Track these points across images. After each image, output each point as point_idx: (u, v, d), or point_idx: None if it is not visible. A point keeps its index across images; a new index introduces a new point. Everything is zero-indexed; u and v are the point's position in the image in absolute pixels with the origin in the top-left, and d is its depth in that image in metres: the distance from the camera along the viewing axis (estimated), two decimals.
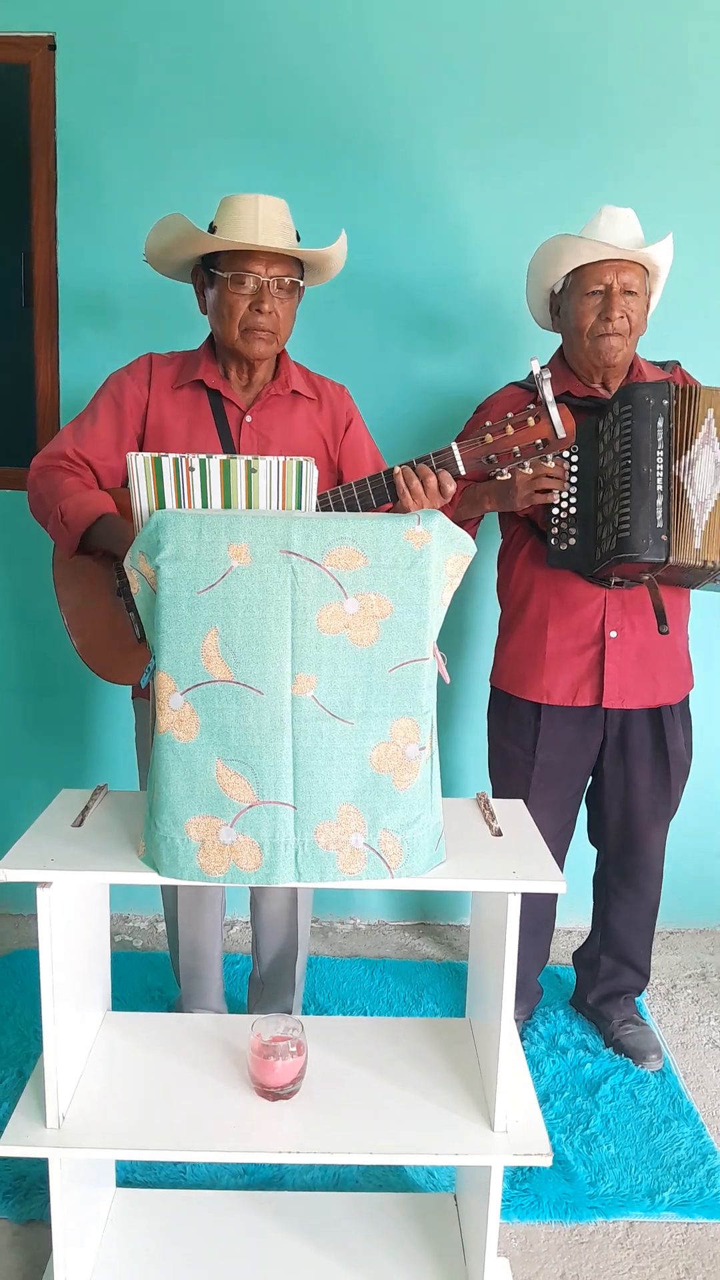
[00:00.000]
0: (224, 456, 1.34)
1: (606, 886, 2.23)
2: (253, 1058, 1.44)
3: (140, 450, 1.84)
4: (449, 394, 2.51)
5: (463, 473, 1.65)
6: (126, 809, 1.51)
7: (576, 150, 2.43)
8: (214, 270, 1.79)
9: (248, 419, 1.88)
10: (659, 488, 1.81)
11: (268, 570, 1.24)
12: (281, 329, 1.82)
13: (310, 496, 1.38)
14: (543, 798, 2.07)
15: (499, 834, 1.47)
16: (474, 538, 1.99)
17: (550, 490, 1.85)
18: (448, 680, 1.36)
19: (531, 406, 1.62)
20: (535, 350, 2.18)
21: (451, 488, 1.66)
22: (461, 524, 1.92)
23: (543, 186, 2.43)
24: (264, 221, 1.74)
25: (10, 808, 2.65)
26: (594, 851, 2.26)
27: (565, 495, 1.92)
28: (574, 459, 1.91)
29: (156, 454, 1.33)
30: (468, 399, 2.25)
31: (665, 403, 1.82)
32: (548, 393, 1.58)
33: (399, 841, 1.30)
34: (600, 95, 2.41)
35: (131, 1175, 1.78)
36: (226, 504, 1.36)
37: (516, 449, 1.62)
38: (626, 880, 2.19)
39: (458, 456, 1.64)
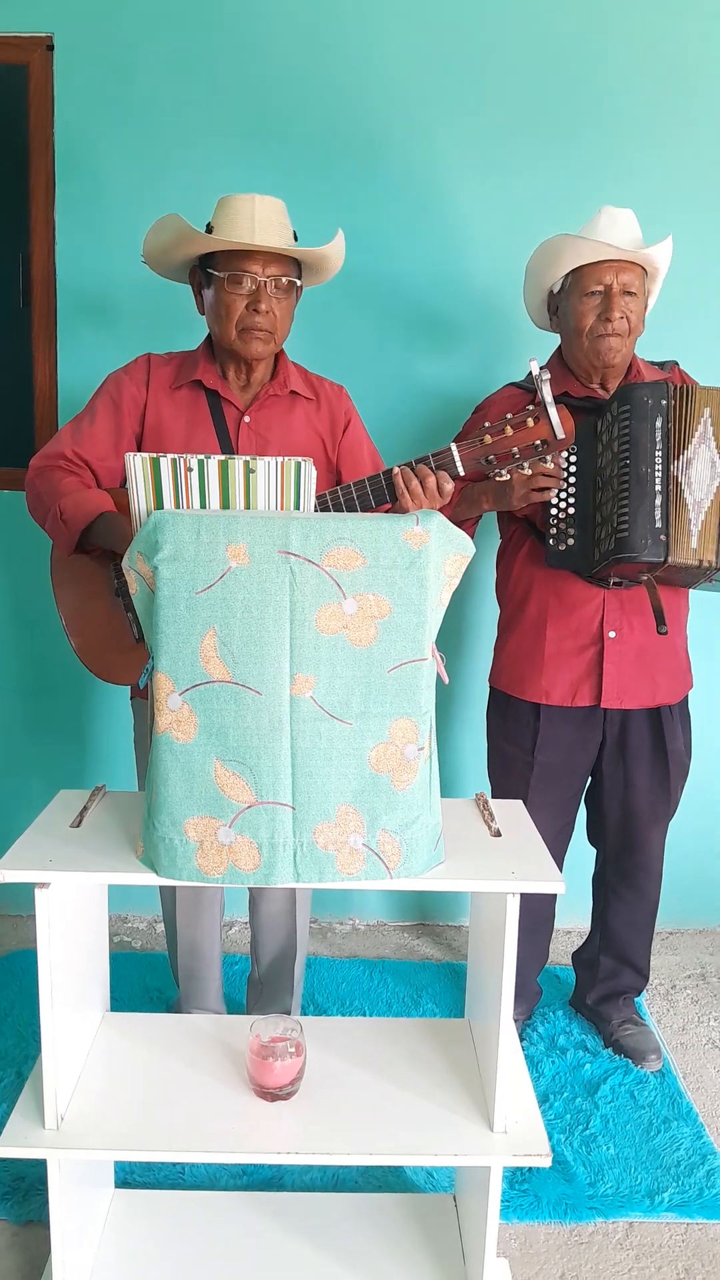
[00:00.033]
0: (222, 457, 1.34)
1: (606, 887, 2.23)
2: (251, 1058, 1.44)
3: (138, 450, 1.84)
4: (448, 394, 2.51)
5: (461, 473, 1.65)
6: (125, 810, 1.51)
7: (576, 150, 2.43)
8: (211, 270, 1.79)
9: (246, 419, 1.88)
10: (657, 488, 1.81)
11: (266, 571, 1.24)
12: (279, 329, 1.82)
13: (308, 497, 1.37)
14: (542, 798, 2.07)
15: (498, 834, 1.46)
16: (472, 537, 1.99)
17: (547, 489, 1.85)
18: (446, 680, 1.36)
19: (531, 407, 1.62)
20: (534, 350, 2.18)
21: (450, 488, 1.66)
22: (459, 524, 1.92)
23: (542, 186, 2.43)
24: (261, 221, 1.74)
25: (9, 808, 2.64)
26: (593, 852, 2.26)
27: (564, 495, 1.92)
28: (572, 459, 1.91)
29: (155, 454, 1.33)
30: (467, 399, 2.25)
31: (663, 403, 1.82)
32: (547, 394, 1.58)
33: (398, 842, 1.30)
34: (600, 95, 2.41)
35: (130, 1176, 1.78)
36: (225, 504, 1.36)
37: (515, 450, 1.62)
38: (626, 880, 2.19)
39: (456, 457, 1.64)
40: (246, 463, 1.34)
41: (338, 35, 2.40)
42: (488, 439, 1.64)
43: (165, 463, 1.33)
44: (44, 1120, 1.37)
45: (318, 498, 1.69)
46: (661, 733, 2.07)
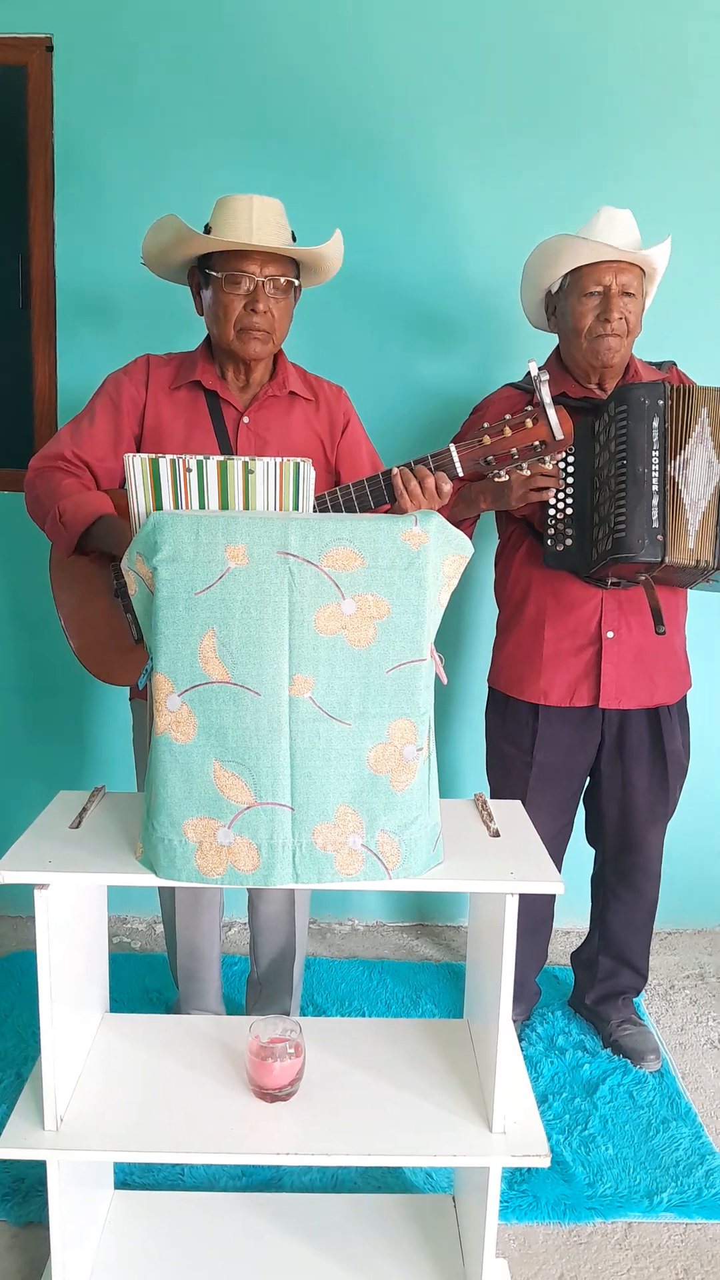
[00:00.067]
0: (221, 458, 1.34)
1: (604, 887, 2.23)
2: (251, 1059, 1.44)
3: (138, 451, 1.84)
4: (447, 395, 2.51)
5: (460, 474, 1.65)
6: (124, 810, 1.50)
7: (576, 150, 2.43)
8: (209, 271, 1.79)
9: (245, 420, 1.88)
10: (654, 488, 1.81)
11: (265, 571, 1.24)
12: (277, 329, 1.82)
13: (307, 497, 1.38)
14: (540, 798, 2.07)
15: (497, 835, 1.46)
16: (470, 537, 1.99)
17: (546, 489, 1.85)
18: (445, 681, 1.35)
19: (529, 409, 1.62)
20: (533, 351, 2.18)
21: (448, 489, 1.66)
22: (457, 524, 1.92)
23: (542, 187, 2.43)
24: (258, 221, 1.74)
25: (8, 809, 2.64)
26: (592, 852, 2.26)
27: (561, 496, 1.92)
28: (570, 459, 1.91)
29: (154, 455, 1.34)
30: (465, 400, 2.25)
31: (660, 403, 1.82)
32: (545, 395, 1.58)
33: (397, 842, 1.30)
34: (600, 95, 2.41)
35: (130, 1177, 1.78)
36: (224, 505, 1.36)
37: (514, 451, 1.62)
38: (624, 881, 2.19)
39: (455, 458, 1.64)
40: (245, 463, 1.34)
41: (338, 35, 2.40)
42: (486, 440, 1.64)
43: (164, 463, 1.33)
44: (43, 1122, 1.37)
45: (316, 498, 1.69)
46: (660, 733, 2.07)
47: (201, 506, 1.36)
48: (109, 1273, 1.53)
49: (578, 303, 1.93)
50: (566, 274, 1.95)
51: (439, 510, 1.58)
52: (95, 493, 1.80)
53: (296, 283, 1.83)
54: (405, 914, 2.80)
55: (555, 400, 1.73)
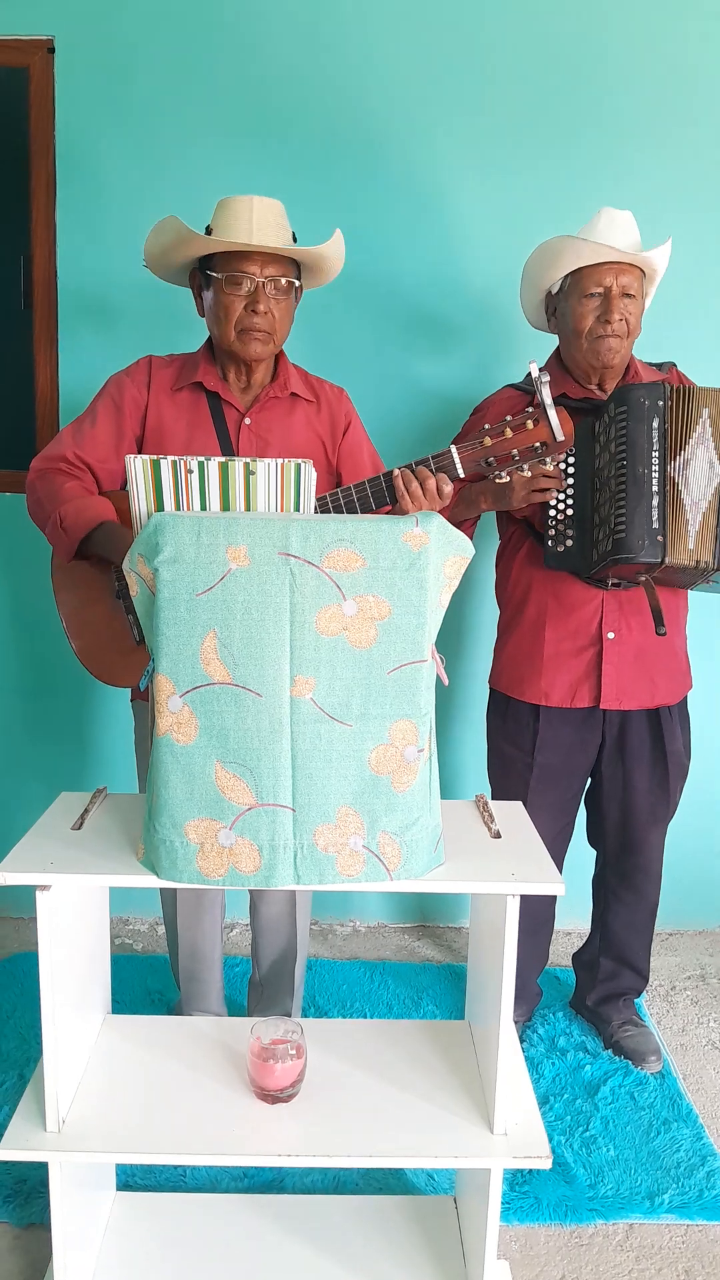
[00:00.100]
0: (222, 459, 1.34)
1: (605, 888, 2.23)
2: (252, 1060, 1.44)
3: (139, 452, 1.84)
4: (447, 395, 2.51)
5: (462, 475, 1.65)
6: (126, 812, 1.50)
7: (576, 151, 2.43)
8: (210, 272, 1.79)
9: (246, 421, 1.88)
10: (654, 489, 1.81)
11: (266, 572, 1.24)
12: (278, 330, 1.82)
13: (308, 498, 1.38)
14: (541, 799, 2.07)
15: (498, 836, 1.46)
16: (470, 538, 1.99)
17: (547, 490, 1.85)
18: (446, 682, 1.36)
19: (530, 410, 1.63)
20: (533, 352, 2.18)
21: (449, 490, 1.66)
22: (458, 524, 1.92)
23: (542, 187, 2.43)
24: (259, 222, 1.74)
25: (9, 810, 2.64)
26: (593, 853, 2.26)
27: (562, 496, 1.92)
28: (570, 460, 1.91)
29: (155, 456, 1.34)
30: (465, 400, 2.25)
31: (660, 404, 1.82)
32: (546, 396, 1.58)
33: (398, 844, 1.30)
34: (600, 95, 2.41)
35: (132, 1179, 1.78)
36: (225, 506, 1.36)
37: (515, 452, 1.62)
38: (625, 882, 2.19)
39: (457, 460, 1.64)
40: (247, 464, 1.34)
41: (338, 35, 2.40)
42: (487, 441, 1.64)
43: (166, 465, 1.33)
44: (45, 1123, 1.37)
45: (318, 500, 1.69)
46: (661, 734, 2.07)
47: (203, 508, 1.36)
48: (111, 1274, 1.53)
49: (578, 304, 1.93)
50: (567, 275, 1.95)
51: (440, 511, 1.58)
52: (97, 498, 1.79)
53: (298, 283, 1.83)
54: (407, 915, 2.80)
55: (556, 401, 1.73)
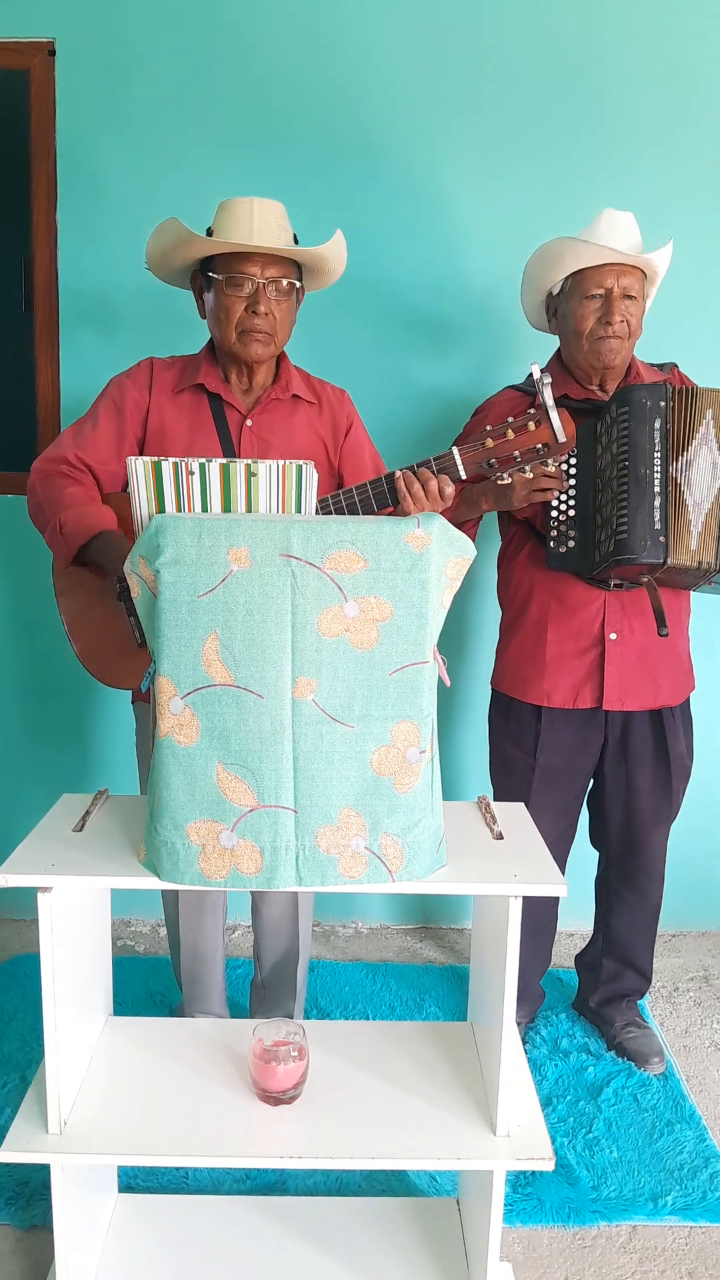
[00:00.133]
0: (224, 460, 1.34)
1: (608, 889, 2.23)
2: (254, 1062, 1.44)
3: (140, 454, 1.84)
4: (447, 397, 2.51)
5: (463, 477, 1.65)
6: (127, 813, 1.50)
7: (576, 152, 2.43)
8: (211, 274, 1.79)
9: (248, 423, 1.88)
10: (656, 489, 1.81)
11: (268, 574, 1.24)
12: (279, 331, 1.82)
13: (310, 500, 1.38)
14: (544, 800, 2.06)
15: (500, 837, 1.46)
16: (472, 539, 1.99)
17: (548, 491, 1.85)
18: (448, 683, 1.35)
19: (532, 411, 1.63)
20: (533, 353, 2.18)
21: (450, 490, 1.66)
22: (459, 525, 1.92)
23: (542, 188, 2.43)
24: (259, 223, 1.74)
25: (10, 812, 2.64)
26: (595, 854, 2.26)
27: (564, 497, 1.92)
28: (572, 461, 1.91)
29: (156, 458, 1.34)
30: (466, 402, 2.25)
31: (662, 404, 1.82)
32: (548, 397, 1.59)
33: (400, 845, 1.30)
34: (600, 95, 2.41)
35: (133, 1181, 1.78)
36: (226, 508, 1.36)
37: (517, 453, 1.62)
38: (628, 883, 2.18)
39: (458, 461, 1.64)
40: (248, 466, 1.34)
41: (338, 36, 2.40)
42: (489, 442, 1.64)
43: (167, 466, 1.33)
44: (47, 1125, 1.36)
45: (319, 501, 1.69)
46: (663, 734, 2.07)
47: (204, 509, 1.36)
48: (113, 1276, 1.53)
49: (579, 305, 1.93)
50: (567, 276, 1.95)
51: (441, 512, 1.58)
52: (98, 505, 1.79)
53: (299, 285, 1.83)
54: (409, 916, 2.79)
55: (557, 402, 1.73)
